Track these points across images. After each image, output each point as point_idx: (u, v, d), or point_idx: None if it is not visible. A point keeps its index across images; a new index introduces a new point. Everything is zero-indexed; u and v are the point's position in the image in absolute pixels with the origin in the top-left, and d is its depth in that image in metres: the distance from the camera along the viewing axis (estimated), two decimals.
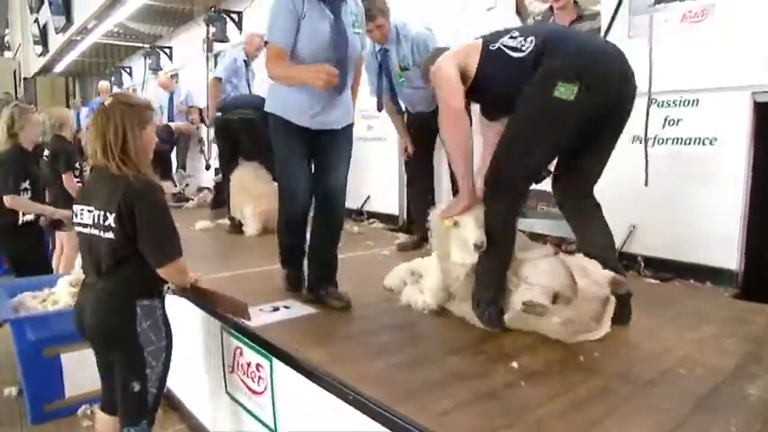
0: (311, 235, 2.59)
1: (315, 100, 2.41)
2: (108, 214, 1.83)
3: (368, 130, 5.28)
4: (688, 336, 2.14)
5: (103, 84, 9.94)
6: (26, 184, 3.75)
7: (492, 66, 2.15)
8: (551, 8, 3.76)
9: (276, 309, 2.41)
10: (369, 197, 5.27)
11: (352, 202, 5.39)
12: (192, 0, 7.89)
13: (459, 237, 2.19)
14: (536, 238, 3.17)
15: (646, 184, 3.08)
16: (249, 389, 2.23)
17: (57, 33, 9.74)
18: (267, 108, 2.50)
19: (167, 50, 9.87)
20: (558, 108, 1.96)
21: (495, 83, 2.17)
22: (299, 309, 2.42)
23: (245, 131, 4.67)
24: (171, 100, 8.10)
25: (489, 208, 2.14)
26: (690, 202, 3.06)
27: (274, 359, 2.04)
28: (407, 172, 4.04)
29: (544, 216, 3.85)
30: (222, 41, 7.31)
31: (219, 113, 4.86)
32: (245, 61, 5.88)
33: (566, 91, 1.93)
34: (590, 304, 2.04)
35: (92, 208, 1.89)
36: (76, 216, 1.95)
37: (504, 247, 2.15)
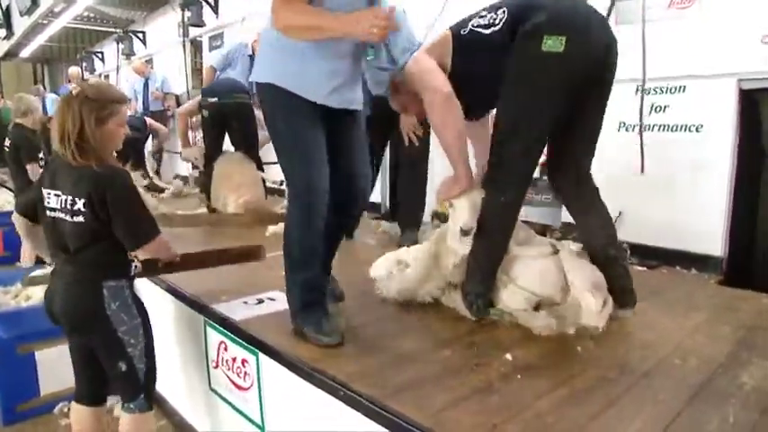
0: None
1: (338, 69, 1.92)
2: (77, 199, 1.82)
3: None
4: (679, 323, 2.14)
5: (74, 69, 9.66)
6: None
7: (468, 52, 2.07)
8: None
9: (261, 301, 2.34)
10: None
11: None
12: None
13: (454, 221, 2.14)
14: None
15: (642, 171, 3.07)
16: (235, 384, 2.17)
17: (21, 16, 9.36)
18: (261, 77, 1.93)
19: (140, 35, 9.61)
20: (550, 61, 1.87)
21: (475, 68, 2.07)
22: (284, 301, 2.33)
23: (238, 117, 4.57)
24: (146, 86, 7.91)
25: (488, 194, 2.07)
26: (676, 189, 3.07)
27: (261, 354, 1.97)
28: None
29: (528, 203, 3.83)
30: (198, 26, 7.14)
31: (215, 98, 4.64)
32: (250, 56, 5.84)
33: (553, 43, 1.84)
34: (583, 305, 2.01)
35: (59, 192, 1.87)
36: (43, 200, 1.92)
37: (497, 238, 2.10)
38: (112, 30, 10.30)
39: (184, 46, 7.19)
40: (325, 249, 2.09)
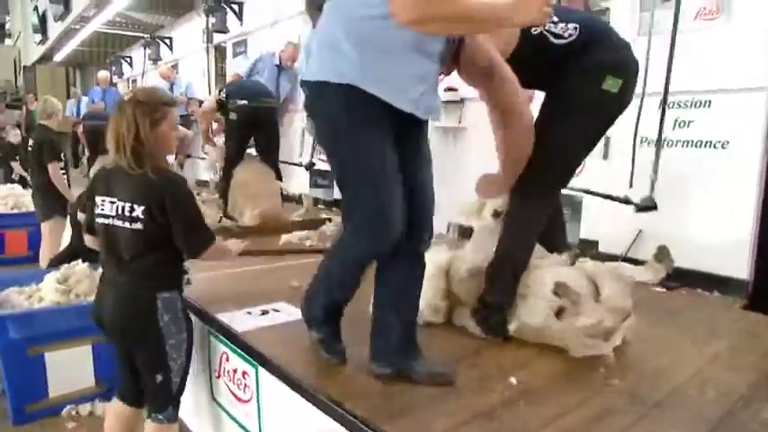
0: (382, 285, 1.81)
1: (428, 71, 1.61)
2: (135, 206, 1.83)
3: None
4: (697, 350, 2.04)
5: (103, 73, 9.83)
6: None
7: (529, 49, 2.00)
8: (559, 2, 3.65)
9: (265, 312, 2.31)
10: None
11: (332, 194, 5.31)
12: None
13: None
14: None
15: (652, 189, 2.97)
16: (235, 396, 2.14)
17: (55, 21, 9.63)
18: (324, 75, 1.58)
19: (167, 41, 9.75)
20: (605, 100, 1.96)
21: (529, 66, 2.00)
22: (289, 313, 2.31)
23: (267, 121, 4.59)
24: (171, 90, 8.03)
25: (521, 204, 2.07)
26: (699, 207, 2.95)
27: (260, 367, 1.94)
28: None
29: None
30: (222, 32, 7.20)
31: (245, 101, 4.60)
32: (277, 66, 5.95)
33: (613, 84, 1.92)
34: (612, 315, 1.95)
35: (114, 199, 1.88)
36: (97, 207, 1.93)
37: (525, 248, 2.10)
38: (141, 35, 10.50)
39: (208, 52, 7.26)
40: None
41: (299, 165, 5.66)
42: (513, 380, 1.74)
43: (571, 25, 1.97)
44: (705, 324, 2.35)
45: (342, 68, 1.55)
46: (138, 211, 1.82)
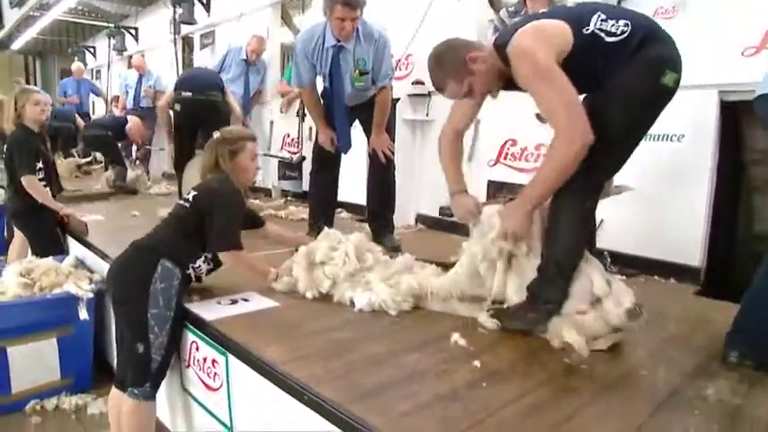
0: None
1: None
2: (192, 191, 2.34)
3: None
4: (653, 333, 2.13)
5: (77, 64, 9.42)
6: (40, 164, 3.67)
7: (583, 51, 1.94)
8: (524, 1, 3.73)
9: (234, 301, 2.32)
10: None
11: (300, 186, 5.32)
12: None
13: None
14: None
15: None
16: (205, 384, 2.15)
17: (12, 8, 9.28)
18: None
19: (133, 31, 9.56)
20: (662, 94, 1.95)
21: (578, 67, 1.94)
22: (258, 302, 2.33)
23: (210, 115, 4.43)
24: (140, 82, 7.87)
25: (573, 199, 2.01)
26: (656, 198, 3.07)
27: (230, 355, 1.96)
28: (317, 161, 3.69)
29: None
30: (190, 24, 7.09)
31: (189, 93, 4.51)
32: (244, 60, 5.89)
33: (670, 78, 1.91)
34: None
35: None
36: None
37: (581, 243, 2.08)
38: (105, 24, 10.23)
39: (175, 43, 7.14)
40: None
41: (290, 161, 5.63)
42: (477, 363, 1.80)
43: (621, 22, 1.94)
44: (660, 309, 2.45)
45: None
46: (191, 195, 2.31)
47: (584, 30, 1.93)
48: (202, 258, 2.30)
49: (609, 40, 1.92)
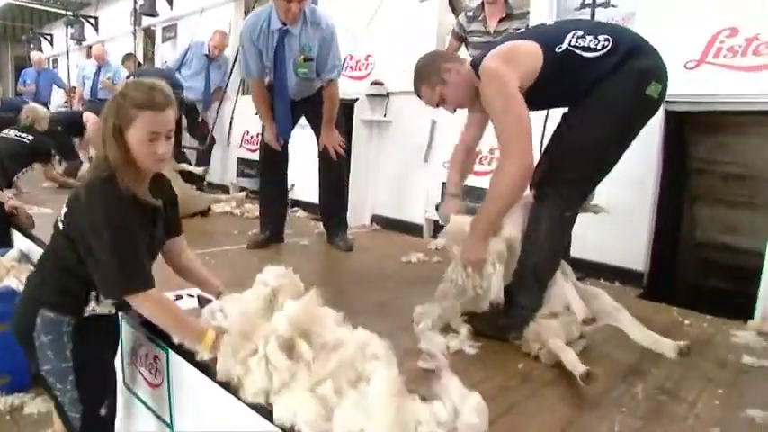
0: None
1: None
2: (64, 207, 1.74)
3: None
4: (593, 334, 2.19)
5: (37, 54, 9.08)
6: None
7: (556, 69, 1.98)
8: (483, 4, 3.80)
9: (179, 297, 2.28)
10: (293, 185, 5.16)
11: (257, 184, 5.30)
12: None
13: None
14: None
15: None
16: (146, 381, 2.11)
17: None
18: None
19: (92, 20, 9.30)
20: (646, 104, 2.00)
21: (555, 85, 1.99)
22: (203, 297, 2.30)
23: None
24: (98, 74, 7.64)
25: (552, 207, 2.03)
26: (603, 204, 3.15)
27: (170, 351, 1.93)
28: (264, 160, 3.64)
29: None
30: (152, 16, 6.96)
31: None
32: (206, 56, 5.81)
33: (654, 89, 1.95)
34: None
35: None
36: None
37: (558, 251, 2.12)
38: (63, 12, 9.93)
39: (136, 35, 6.99)
40: None
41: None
42: (420, 362, 1.82)
43: (602, 37, 1.97)
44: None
45: None
46: (62, 213, 1.73)
47: (556, 49, 1.97)
48: (95, 299, 1.73)
49: (587, 55, 1.96)
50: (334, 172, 3.54)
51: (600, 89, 1.96)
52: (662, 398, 1.70)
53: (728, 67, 2.79)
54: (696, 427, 1.55)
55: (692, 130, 3.30)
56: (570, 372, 1.81)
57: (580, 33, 1.98)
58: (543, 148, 2.25)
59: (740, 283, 3.01)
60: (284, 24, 3.10)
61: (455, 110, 2.30)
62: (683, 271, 3.25)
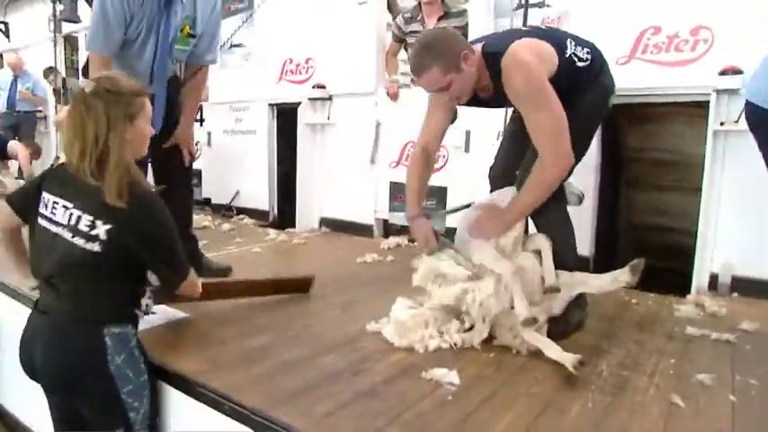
0: None
1: None
2: (96, 222, 1.50)
3: (236, 122, 5.10)
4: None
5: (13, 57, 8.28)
6: None
7: (564, 73, 2.02)
8: (420, 4, 3.87)
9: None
10: (238, 192, 5.08)
11: (220, 198, 5.20)
12: None
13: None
14: None
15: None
16: None
17: None
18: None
19: (3, 26, 8.70)
20: (605, 114, 2.27)
21: (557, 87, 1.98)
22: (167, 313, 2.24)
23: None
24: (15, 84, 7.18)
25: (552, 201, 2.10)
26: None
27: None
28: (155, 167, 2.82)
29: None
30: (74, 21, 6.59)
31: None
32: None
33: (610, 102, 2.21)
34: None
35: (68, 204, 1.53)
36: (46, 207, 1.56)
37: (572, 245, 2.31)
38: None
39: (56, 43, 6.61)
40: None
41: None
42: (393, 359, 1.87)
43: (585, 49, 2.09)
44: None
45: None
46: (101, 229, 1.50)
47: (564, 53, 2.04)
48: (147, 294, 1.74)
49: (579, 64, 2.08)
50: (184, 178, 2.93)
51: (581, 97, 2.07)
52: (624, 373, 1.82)
53: (654, 62, 3.00)
54: (657, 396, 1.67)
55: (624, 122, 3.52)
56: (538, 358, 1.90)
57: (574, 42, 2.09)
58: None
59: (675, 262, 3.24)
60: None
61: (452, 103, 2.26)
62: (623, 254, 3.44)
